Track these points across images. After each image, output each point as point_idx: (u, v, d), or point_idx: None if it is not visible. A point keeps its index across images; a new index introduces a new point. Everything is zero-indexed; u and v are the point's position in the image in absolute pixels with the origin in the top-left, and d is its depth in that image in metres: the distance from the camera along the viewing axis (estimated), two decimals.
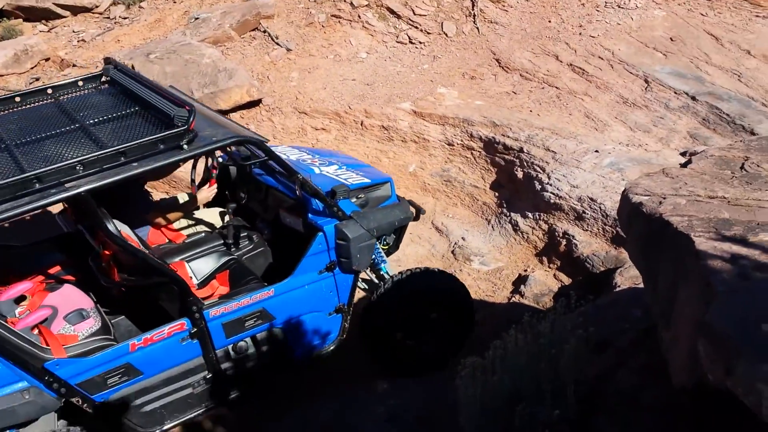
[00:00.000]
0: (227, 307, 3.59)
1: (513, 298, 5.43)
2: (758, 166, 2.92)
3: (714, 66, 7.30)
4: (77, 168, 2.95)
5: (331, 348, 4.10)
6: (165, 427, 3.60)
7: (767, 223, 2.35)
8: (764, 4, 7.85)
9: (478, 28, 8.11)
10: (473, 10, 8.20)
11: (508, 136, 6.61)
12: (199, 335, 3.53)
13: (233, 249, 4.16)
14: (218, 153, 4.37)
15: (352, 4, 8.05)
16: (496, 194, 6.58)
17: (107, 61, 4.16)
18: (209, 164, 4.37)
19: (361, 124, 7.00)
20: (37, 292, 3.47)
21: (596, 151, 6.07)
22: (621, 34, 7.78)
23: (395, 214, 4.11)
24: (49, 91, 3.84)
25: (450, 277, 4.56)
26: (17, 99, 3.75)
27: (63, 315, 3.37)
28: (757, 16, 7.80)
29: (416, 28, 8.11)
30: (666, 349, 2.42)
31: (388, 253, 4.49)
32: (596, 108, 6.87)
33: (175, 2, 8.97)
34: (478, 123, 6.77)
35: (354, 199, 3.99)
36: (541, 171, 6.17)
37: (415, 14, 8.16)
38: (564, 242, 5.58)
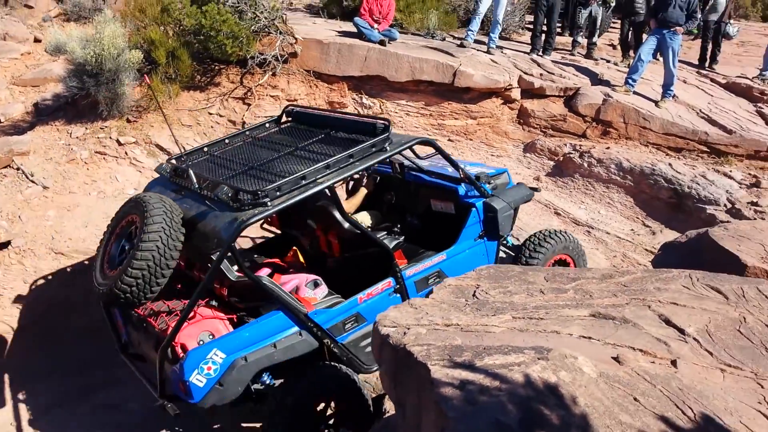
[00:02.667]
0: (416, 268, 4.76)
1: None
2: (486, 293, 3.30)
3: None
4: (326, 168, 4.18)
5: None
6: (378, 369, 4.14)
7: (492, 347, 2.64)
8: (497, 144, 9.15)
9: None
10: None
11: None
12: (400, 291, 4.63)
13: (395, 236, 5.17)
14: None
15: (118, 141, 7.87)
16: None
17: (288, 108, 5.50)
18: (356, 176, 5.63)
19: None
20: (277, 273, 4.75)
21: None
22: None
23: (523, 192, 5.35)
24: (247, 132, 5.32)
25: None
26: (227, 141, 5.20)
27: (304, 284, 4.50)
28: (491, 155, 9.06)
29: None
30: None
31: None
32: None
33: None
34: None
35: (488, 184, 5.18)
36: None
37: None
38: None
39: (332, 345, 4.30)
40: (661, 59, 9.35)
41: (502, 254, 5.36)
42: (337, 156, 4.26)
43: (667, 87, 9.07)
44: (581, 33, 10.66)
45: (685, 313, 3.00)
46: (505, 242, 5.45)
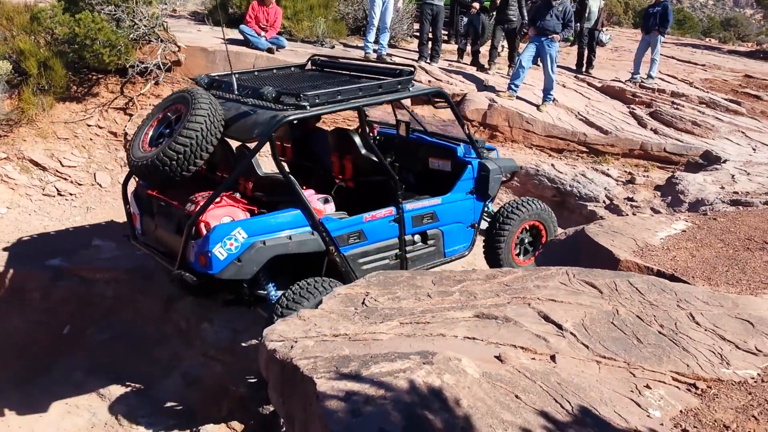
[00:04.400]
0: (414, 204, 5.14)
1: None
2: (375, 300, 3.30)
3: None
4: (358, 91, 4.68)
5: (466, 253, 5.57)
6: None
7: (378, 354, 2.64)
8: None
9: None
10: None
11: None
12: (399, 220, 5.02)
13: None
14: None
15: None
16: (164, 347, 6.28)
17: (313, 57, 5.92)
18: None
19: None
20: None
21: None
22: None
23: (511, 162, 6.04)
24: (274, 70, 5.83)
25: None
26: (256, 73, 5.80)
27: (316, 199, 4.89)
28: None
29: (65, 179, 7.66)
30: None
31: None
32: None
33: None
34: (145, 275, 6.50)
35: (483, 152, 5.63)
36: (207, 320, 6.10)
37: (63, 166, 7.73)
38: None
39: (335, 253, 4.75)
40: (540, 65, 9.78)
41: (484, 223, 5.79)
42: (368, 83, 4.84)
43: (547, 91, 9.50)
44: (465, 41, 10.97)
45: (563, 309, 3.13)
46: (486, 208, 5.83)
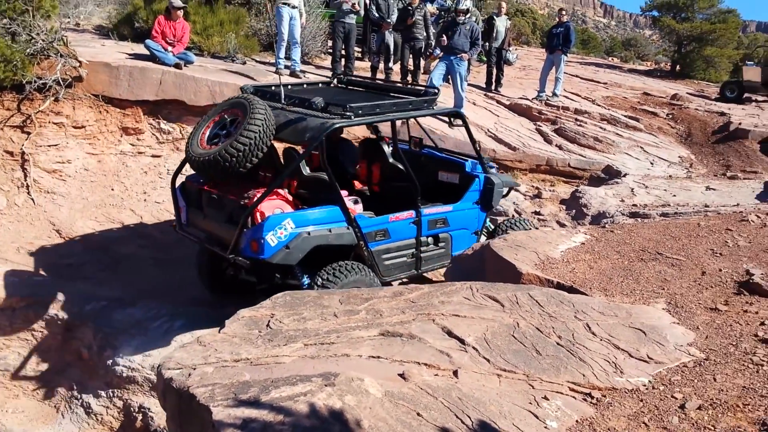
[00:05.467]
0: (430, 210, 5.84)
1: None
2: (280, 321, 3.24)
3: None
4: (393, 106, 5.56)
5: None
6: (390, 279, 5.74)
7: (280, 378, 2.59)
8: None
9: (33, 199, 7.57)
10: (26, 180, 7.67)
11: (72, 311, 6.15)
12: (417, 223, 5.71)
13: None
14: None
15: None
16: (65, 377, 5.96)
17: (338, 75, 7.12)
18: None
19: None
20: None
21: (166, 314, 6.04)
22: None
23: (510, 179, 6.82)
24: (305, 85, 6.63)
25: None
26: (289, 86, 6.25)
27: (348, 199, 5.46)
28: None
29: None
30: None
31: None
32: None
33: None
34: (40, 302, 6.14)
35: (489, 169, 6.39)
36: (111, 344, 5.83)
37: None
38: (140, 417, 5.29)
39: (364, 248, 5.44)
40: (451, 83, 10.02)
41: (483, 238, 6.38)
42: (401, 100, 5.69)
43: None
44: (378, 58, 11.10)
45: (466, 324, 3.17)
46: (486, 224, 6.52)
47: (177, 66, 8.50)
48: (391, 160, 6.11)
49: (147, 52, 8.71)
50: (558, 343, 3.10)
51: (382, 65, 11.02)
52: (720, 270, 4.12)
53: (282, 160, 5.93)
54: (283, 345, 2.95)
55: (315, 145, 5.03)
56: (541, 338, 3.13)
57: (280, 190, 5.37)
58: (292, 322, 3.24)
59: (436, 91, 5.92)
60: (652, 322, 3.41)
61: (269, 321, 3.26)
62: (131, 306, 6.19)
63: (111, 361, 5.70)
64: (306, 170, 5.59)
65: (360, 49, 12.22)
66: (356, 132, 8.43)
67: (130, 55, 8.92)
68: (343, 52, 10.46)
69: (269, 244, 4.91)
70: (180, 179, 5.95)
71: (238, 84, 8.58)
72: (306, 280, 5.29)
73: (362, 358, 2.85)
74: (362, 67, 11.59)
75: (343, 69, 10.30)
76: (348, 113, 5.15)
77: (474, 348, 2.98)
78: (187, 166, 5.62)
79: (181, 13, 9.04)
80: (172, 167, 8.39)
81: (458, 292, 3.54)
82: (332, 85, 6.61)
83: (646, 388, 2.86)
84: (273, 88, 5.76)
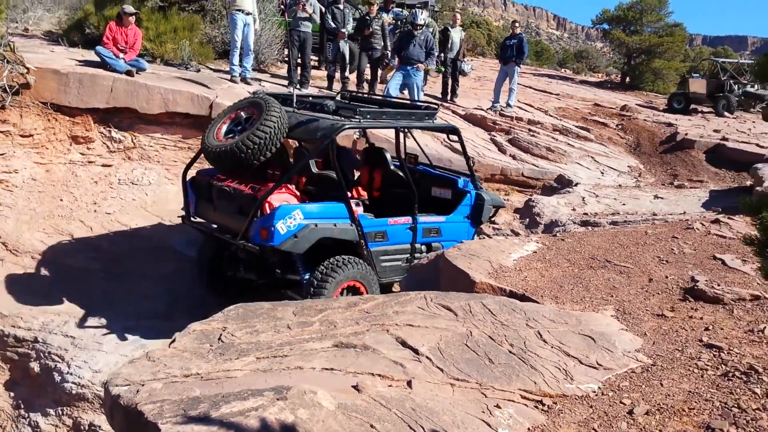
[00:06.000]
0: (426, 218, 6.21)
1: None
2: (232, 335, 3.19)
3: None
4: (398, 115, 6.18)
5: None
6: (385, 280, 6.05)
7: (231, 393, 2.55)
8: None
9: None
10: None
11: (20, 327, 5.96)
12: (413, 229, 6.07)
13: None
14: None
15: None
16: (12, 395, 5.76)
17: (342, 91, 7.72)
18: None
19: None
20: None
21: (118, 329, 5.90)
22: (137, 209, 7.99)
23: (498, 198, 7.14)
24: (310, 98, 6.80)
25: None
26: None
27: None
28: None
29: None
30: None
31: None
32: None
33: None
34: None
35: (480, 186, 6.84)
36: (60, 360, 5.67)
37: None
38: None
39: (364, 247, 5.78)
40: (407, 93, 10.09)
41: None
42: (406, 110, 6.30)
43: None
44: (334, 67, 11.11)
45: (420, 334, 3.19)
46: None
47: (128, 73, 8.34)
48: (392, 167, 6.67)
49: (98, 59, 8.53)
50: (510, 351, 3.13)
51: (338, 74, 11.03)
52: (666, 277, 4.24)
53: (292, 159, 6.47)
54: (235, 359, 2.91)
55: (326, 143, 5.53)
56: (494, 347, 3.16)
57: (289, 185, 5.77)
58: (245, 335, 3.19)
59: (436, 107, 6.49)
60: (602, 329, 3.48)
61: (221, 334, 3.21)
62: (81, 320, 6.03)
63: (60, 377, 5.54)
64: (314, 168, 6.14)
65: (317, 58, 12.21)
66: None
67: (80, 61, 8.72)
68: (299, 60, 10.43)
69: (279, 232, 5.24)
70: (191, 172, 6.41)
71: (192, 91, 8.50)
72: (306, 275, 5.59)
73: (315, 371, 2.83)
74: (318, 76, 11.59)
75: (299, 78, 10.27)
76: (357, 116, 5.63)
77: (428, 358, 2.99)
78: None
79: (133, 19, 8.89)
80: (123, 177, 8.23)
81: (412, 302, 3.56)
82: (337, 99, 6.91)
83: (596, 395, 2.91)
84: (294, 91, 6.50)
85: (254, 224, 5.35)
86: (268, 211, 5.33)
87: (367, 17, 10.57)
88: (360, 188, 6.75)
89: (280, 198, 5.52)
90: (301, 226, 5.33)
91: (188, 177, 6.31)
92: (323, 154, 6.29)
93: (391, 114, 6.05)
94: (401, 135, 7.22)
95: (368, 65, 10.99)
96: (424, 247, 6.26)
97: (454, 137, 6.91)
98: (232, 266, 6.37)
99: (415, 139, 7.54)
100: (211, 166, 6.12)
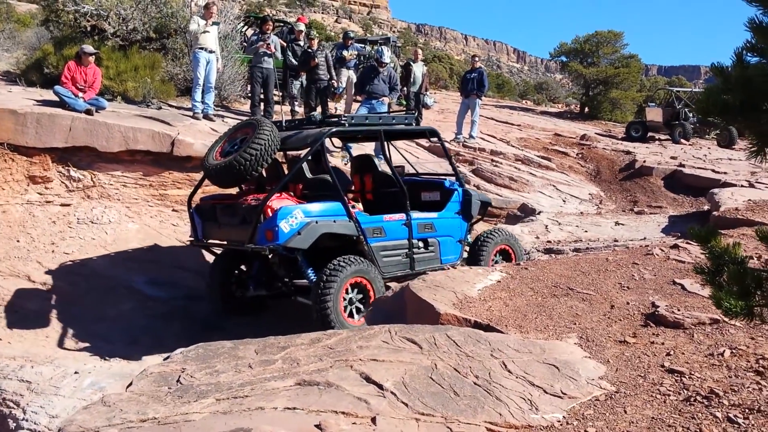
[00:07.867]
0: (419, 214, 6.77)
1: None
2: (192, 376, 3.12)
3: None
4: (380, 119, 7.03)
5: (457, 263, 6.81)
6: (388, 275, 6.42)
7: None
8: None
9: None
10: None
11: None
12: (408, 225, 6.59)
13: None
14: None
15: None
16: None
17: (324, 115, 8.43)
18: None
19: None
20: None
21: (76, 373, 5.71)
22: (97, 248, 7.82)
23: (486, 196, 7.91)
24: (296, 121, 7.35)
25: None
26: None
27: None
28: None
29: None
30: None
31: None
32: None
33: None
34: None
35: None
36: (15, 406, 5.44)
37: None
38: None
39: (364, 242, 6.18)
40: None
41: (464, 254, 7.24)
42: (387, 115, 7.15)
43: (378, 151, 9.85)
44: (297, 102, 11.15)
45: (384, 368, 3.15)
46: (466, 240, 7.30)
47: (88, 112, 8.24)
48: (380, 169, 7.32)
49: (56, 99, 8.42)
50: (475, 383, 3.11)
51: (302, 109, 11.07)
52: (628, 303, 4.29)
53: (287, 171, 6.92)
54: (194, 401, 2.83)
55: (317, 146, 6.09)
56: (459, 379, 3.14)
57: (286, 193, 6.24)
58: (204, 376, 3.12)
59: (414, 113, 7.46)
60: (565, 357, 3.49)
61: (180, 376, 3.13)
62: (38, 364, 5.82)
63: (15, 424, 5.31)
64: (308, 173, 6.60)
65: (280, 94, 12.25)
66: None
67: (38, 101, 8.60)
68: (262, 96, 10.45)
69: (283, 231, 5.65)
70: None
71: (153, 129, 8.43)
72: (313, 276, 5.95)
73: (277, 411, 2.77)
74: (284, 111, 11.60)
75: (262, 113, 10.28)
76: (342, 122, 6.26)
77: (392, 393, 2.95)
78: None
79: (92, 59, 8.82)
80: (82, 216, 8.07)
81: (377, 336, 3.52)
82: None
83: (561, 424, 2.90)
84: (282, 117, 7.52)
85: (259, 228, 5.75)
86: (270, 215, 5.73)
87: (309, 50, 10.74)
88: (353, 200, 7.11)
89: (280, 202, 5.93)
90: (302, 224, 5.76)
91: (193, 205, 6.75)
92: (316, 160, 6.80)
93: (374, 118, 6.80)
94: (386, 145, 7.57)
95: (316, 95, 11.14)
96: (421, 243, 6.71)
97: (434, 138, 7.62)
98: (241, 286, 6.90)
99: (398, 151, 8.16)
100: (212, 192, 6.70)
